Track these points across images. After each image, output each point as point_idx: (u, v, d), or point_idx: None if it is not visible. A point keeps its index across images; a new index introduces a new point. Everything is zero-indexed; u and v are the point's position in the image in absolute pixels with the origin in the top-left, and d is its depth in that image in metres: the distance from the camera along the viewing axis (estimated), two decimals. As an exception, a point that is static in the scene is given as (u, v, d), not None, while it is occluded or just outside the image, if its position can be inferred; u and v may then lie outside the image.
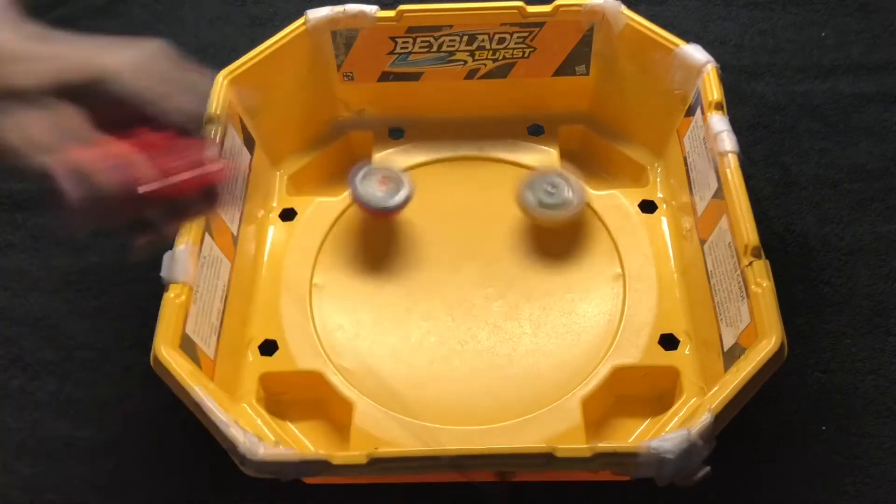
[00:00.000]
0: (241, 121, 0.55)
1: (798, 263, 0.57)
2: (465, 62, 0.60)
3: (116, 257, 0.59)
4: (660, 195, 0.58)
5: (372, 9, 0.57)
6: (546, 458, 0.39)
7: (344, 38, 0.58)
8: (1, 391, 0.53)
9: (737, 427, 0.42)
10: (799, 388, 0.51)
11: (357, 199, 0.55)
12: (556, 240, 0.56)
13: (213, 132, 0.51)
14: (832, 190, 0.60)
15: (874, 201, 0.59)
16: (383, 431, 0.48)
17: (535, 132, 0.62)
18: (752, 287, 0.44)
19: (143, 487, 0.49)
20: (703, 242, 0.51)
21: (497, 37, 0.58)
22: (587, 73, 0.60)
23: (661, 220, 0.57)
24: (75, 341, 0.55)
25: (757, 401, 0.48)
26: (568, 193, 0.55)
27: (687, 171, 0.54)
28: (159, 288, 0.46)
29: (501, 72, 0.60)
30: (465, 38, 0.58)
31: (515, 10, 0.57)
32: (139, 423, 0.51)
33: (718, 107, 0.51)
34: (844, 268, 0.56)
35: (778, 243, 0.58)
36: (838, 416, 0.50)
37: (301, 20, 0.57)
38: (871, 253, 0.57)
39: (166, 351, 0.43)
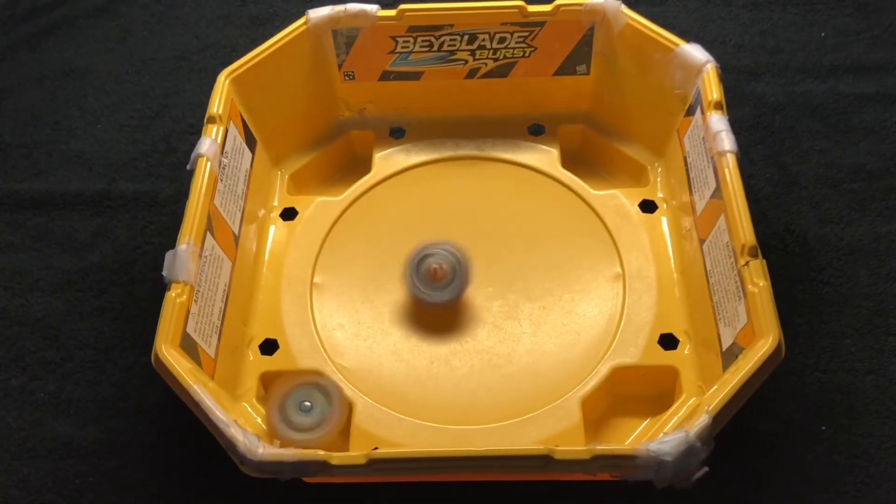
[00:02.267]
0: (243, 120, 0.56)
1: (798, 263, 0.57)
2: (466, 62, 0.60)
3: (116, 257, 0.59)
4: (660, 195, 0.58)
5: (373, 8, 0.57)
6: (544, 460, 0.39)
7: (345, 37, 0.58)
8: (1, 391, 0.53)
9: (736, 427, 0.42)
10: (799, 388, 0.51)
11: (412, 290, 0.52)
12: (557, 240, 0.56)
13: (214, 132, 0.51)
14: (832, 190, 0.60)
15: (874, 201, 0.59)
16: (383, 430, 0.48)
17: (536, 132, 0.62)
18: (749, 287, 0.44)
19: (143, 487, 0.49)
20: (702, 242, 0.51)
21: (497, 36, 0.58)
22: (588, 73, 0.60)
23: (662, 219, 0.57)
24: (75, 341, 0.55)
25: (756, 401, 0.48)
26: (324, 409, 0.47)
27: (687, 170, 0.54)
28: (159, 288, 0.46)
29: (502, 71, 0.60)
30: (466, 37, 0.58)
31: (516, 10, 0.57)
32: (139, 423, 0.52)
33: (718, 106, 0.51)
34: (844, 268, 0.56)
35: (777, 243, 0.58)
36: (838, 416, 0.50)
37: (302, 20, 0.57)
38: (871, 253, 0.57)
39: (167, 350, 0.43)
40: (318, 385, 0.47)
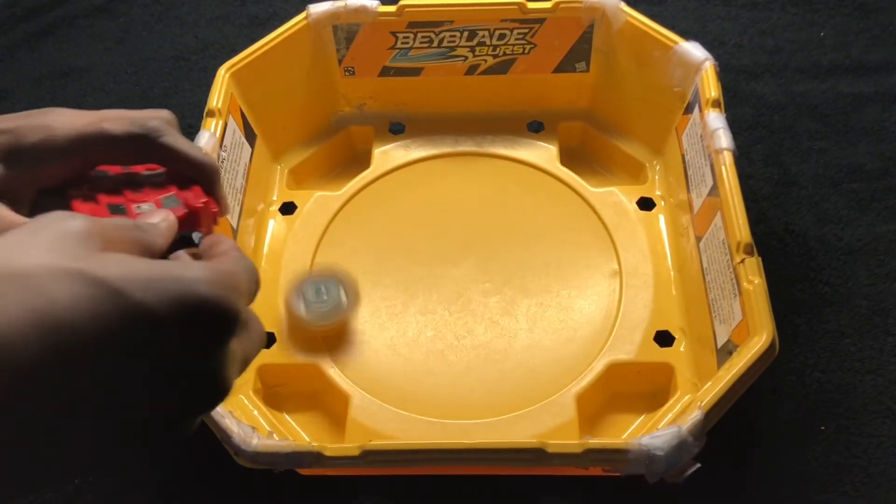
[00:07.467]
0: (242, 114, 0.56)
1: (797, 263, 0.56)
2: (466, 58, 0.60)
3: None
4: (658, 193, 0.58)
5: (373, 4, 0.58)
6: (537, 454, 0.39)
7: (345, 32, 0.59)
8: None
9: (736, 427, 0.42)
10: (798, 388, 0.51)
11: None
12: (554, 236, 0.56)
13: (213, 125, 0.51)
14: (831, 190, 0.60)
15: (873, 201, 0.59)
16: (379, 424, 0.48)
17: (535, 129, 0.62)
18: (744, 284, 0.44)
19: (143, 487, 0.49)
20: (698, 240, 0.51)
21: (497, 33, 0.58)
22: (587, 70, 0.60)
23: (659, 217, 0.57)
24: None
25: (756, 400, 0.48)
26: (340, 295, 0.51)
27: (685, 168, 0.54)
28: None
29: (502, 68, 0.60)
30: (466, 33, 0.58)
31: (516, 7, 0.57)
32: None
33: (715, 104, 0.51)
34: (843, 268, 0.56)
35: (777, 243, 0.57)
36: (838, 416, 0.50)
37: (302, 15, 0.58)
38: (870, 253, 0.57)
39: (162, 341, 0.43)
40: (334, 276, 0.52)
